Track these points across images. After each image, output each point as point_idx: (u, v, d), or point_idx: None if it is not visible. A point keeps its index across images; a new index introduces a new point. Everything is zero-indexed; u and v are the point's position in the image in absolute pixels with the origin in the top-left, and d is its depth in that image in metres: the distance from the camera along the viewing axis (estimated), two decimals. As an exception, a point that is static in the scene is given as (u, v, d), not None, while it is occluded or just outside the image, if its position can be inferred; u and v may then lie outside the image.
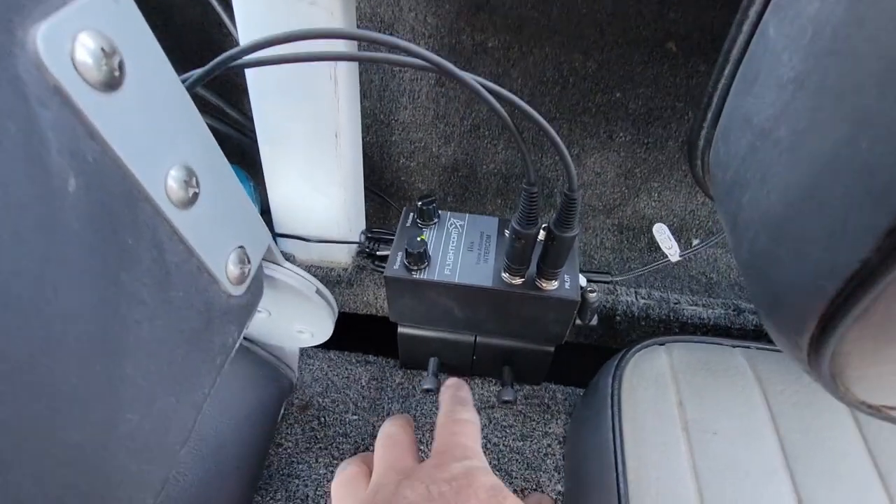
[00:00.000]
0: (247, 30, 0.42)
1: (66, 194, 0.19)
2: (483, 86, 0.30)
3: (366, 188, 0.58)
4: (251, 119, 0.60)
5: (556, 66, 0.62)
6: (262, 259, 0.34)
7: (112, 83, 0.20)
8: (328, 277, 0.56)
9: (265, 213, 0.63)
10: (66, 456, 0.19)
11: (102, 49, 0.19)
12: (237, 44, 0.55)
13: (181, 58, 0.67)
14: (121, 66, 0.20)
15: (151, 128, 0.22)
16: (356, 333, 0.60)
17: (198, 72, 0.30)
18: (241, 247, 0.30)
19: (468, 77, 0.30)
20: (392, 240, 0.57)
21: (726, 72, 0.24)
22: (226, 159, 0.28)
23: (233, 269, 0.29)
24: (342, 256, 0.56)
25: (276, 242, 0.59)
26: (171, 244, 0.24)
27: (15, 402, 0.17)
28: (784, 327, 0.20)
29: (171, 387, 0.25)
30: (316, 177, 0.50)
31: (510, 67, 0.62)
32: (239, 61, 0.30)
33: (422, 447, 0.50)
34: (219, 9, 0.59)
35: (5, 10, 0.16)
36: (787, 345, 0.21)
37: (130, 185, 0.21)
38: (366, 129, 0.68)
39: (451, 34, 0.61)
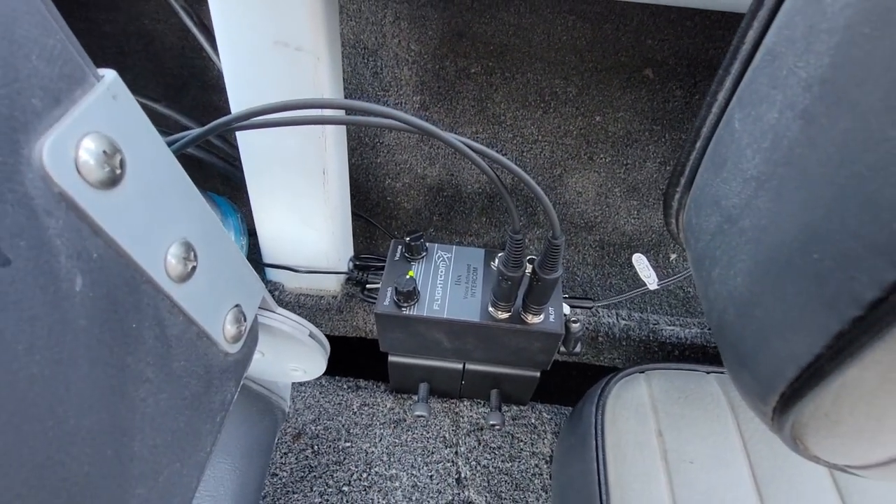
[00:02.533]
0: (234, 74, 0.42)
1: (74, 294, 0.19)
2: (468, 146, 0.32)
3: (352, 210, 0.58)
4: (235, 147, 0.60)
5: (537, 90, 0.63)
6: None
7: (114, 180, 0.20)
8: (318, 305, 0.57)
9: (252, 234, 0.63)
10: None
11: (104, 151, 0.20)
12: (218, 71, 0.55)
13: (163, 83, 0.67)
14: (121, 164, 0.21)
15: (151, 213, 0.23)
16: (346, 356, 0.62)
17: (192, 133, 0.31)
18: (237, 305, 0.31)
19: (453, 138, 0.31)
20: (379, 265, 0.58)
21: (697, 146, 0.26)
22: (220, 224, 0.29)
23: (230, 329, 0.30)
24: (331, 284, 0.57)
25: (264, 272, 0.59)
26: (171, 318, 0.25)
27: (37, 502, 0.18)
28: (750, 393, 0.22)
29: (176, 454, 0.26)
30: (304, 211, 0.50)
31: (493, 92, 0.64)
32: (232, 126, 0.30)
33: (414, 471, 0.51)
34: (200, 36, 0.59)
35: (11, 131, 0.17)
36: (753, 407, 0.23)
37: (133, 270, 0.22)
38: (351, 151, 0.69)
39: (435, 60, 0.62)
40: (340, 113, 0.34)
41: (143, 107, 0.23)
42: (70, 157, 0.18)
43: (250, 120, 0.30)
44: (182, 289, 0.25)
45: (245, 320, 0.31)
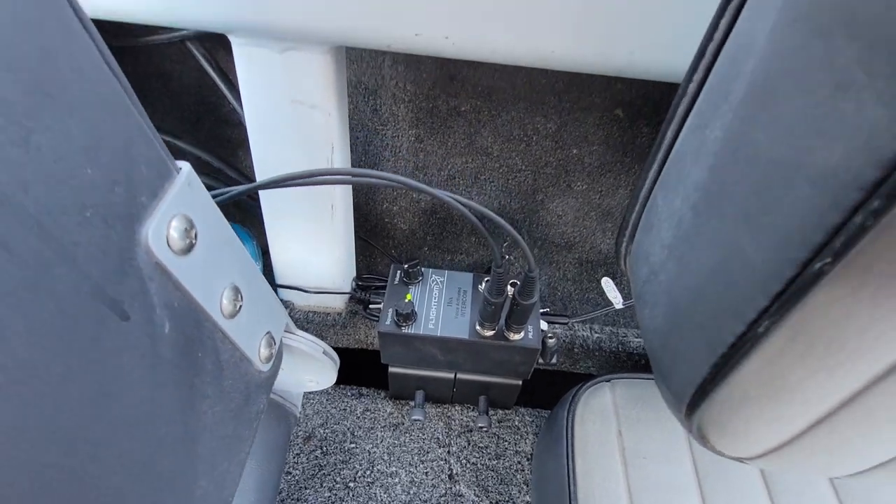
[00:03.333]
0: (255, 126, 0.48)
1: (164, 335, 0.26)
2: (456, 199, 0.38)
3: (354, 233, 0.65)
4: (246, 177, 0.66)
5: (521, 126, 0.70)
6: (281, 334, 0.42)
7: (190, 247, 0.27)
8: (325, 321, 0.64)
9: (265, 253, 0.69)
10: (166, 520, 0.27)
11: (185, 228, 0.26)
12: (235, 109, 0.61)
13: (179, 117, 0.73)
14: (195, 235, 0.27)
15: (212, 267, 0.29)
16: (350, 366, 0.68)
17: (234, 191, 0.37)
18: (268, 332, 0.37)
19: (443, 194, 0.38)
20: (379, 285, 0.65)
21: (636, 208, 0.33)
22: (257, 268, 0.35)
23: (264, 352, 0.37)
24: (337, 303, 0.64)
25: (276, 292, 0.66)
26: (223, 347, 0.32)
27: (141, 493, 0.24)
28: (669, 402, 0.30)
29: (226, 454, 0.33)
30: (313, 239, 0.57)
31: (481, 128, 0.71)
32: (263, 188, 0.37)
33: (412, 468, 0.58)
34: (214, 76, 0.65)
35: (130, 223, 0.24)
36: (673, 412, 0.30)
37: (199, 313, 0.29)
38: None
39: (429, 99, 0.69)
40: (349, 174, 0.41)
41: (167, 143, 0.29)
42: (164, 235, 0.25)
43: (277, 183, 0.37)
44: (231, 323, 0.32)
45: (275, 343, 0.38)
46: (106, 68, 0.21)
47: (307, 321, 0.64)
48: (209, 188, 0.38)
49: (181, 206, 0.26)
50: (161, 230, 0.25)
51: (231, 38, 0.43)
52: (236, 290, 0.32)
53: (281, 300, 0.66)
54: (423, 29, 0.39)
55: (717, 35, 0.24)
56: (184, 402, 0.28)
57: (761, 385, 0.22)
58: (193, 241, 0.27)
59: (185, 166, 0.27)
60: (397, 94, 0.69)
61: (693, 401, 0.26)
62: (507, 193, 0.77)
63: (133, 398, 0.24)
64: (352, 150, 0.73)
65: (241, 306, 0.32)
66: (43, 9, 0.18)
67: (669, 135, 0.28)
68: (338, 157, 0.51)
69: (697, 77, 0.25)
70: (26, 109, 0.18)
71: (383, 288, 0.66)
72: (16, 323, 0.17)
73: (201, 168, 0.65)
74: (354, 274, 0.66)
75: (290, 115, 0.47)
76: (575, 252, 0.80)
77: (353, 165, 0.75)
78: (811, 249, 0.18)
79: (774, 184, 0.19)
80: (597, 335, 0.63)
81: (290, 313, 0.65)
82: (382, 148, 0.73)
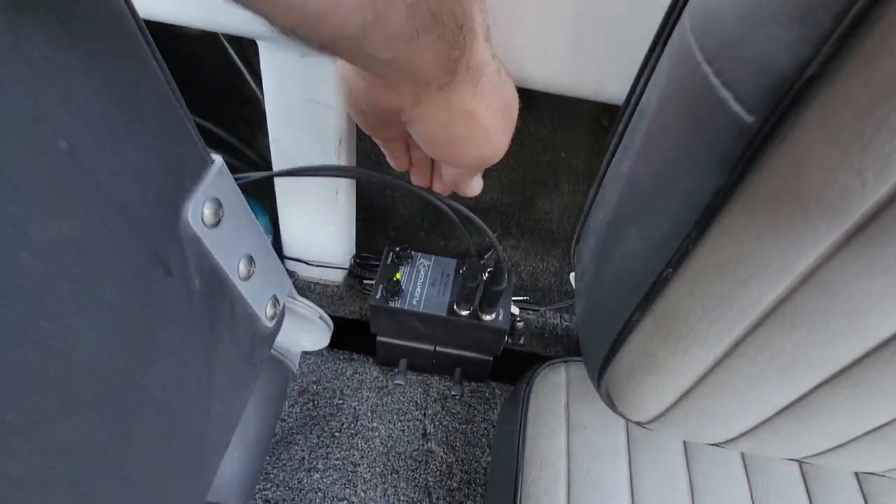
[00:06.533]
0: (275, 119, 0.55)
1: (195, 289, 0.34)
2: (443, 200, 0.45)
3: (357, 214, 0.72)
4: (263, 157, 0.74)
5: (516, 131, 0.76)
6: (285, 299, 0.49)
7: (218, 223, 0.34)
8: (324, 292, 0.71)
9: (275, 225, 0.77)
10: (186, 437, 0.35)
11: (216, 208, 0.34)
12: (252, 90, 0.68)
13: (203, 97, 0.80)
14: (222, 214, 0.35)
15: (233, 239, 0.37)
16: (344, 333, 0.76)
17: (253, 176, 0.45)
18: (274, 295, 0.45)
19: (430, 196, 0.45)
20: (374, 264, 0.73)
21: (581, 219, 0.40)
22: (268, 242, 0.43)
23: (269, 310, 0.44)
24: (336, 276, 0.71)
25: (284, 263, 0.74)
26: (238, 302, 0.39)
27: (177, 404, 0.32)
28: (588, 375, 0.37)
29: (234, 387, 0.41)
30: (318, 219, 0.64)
31: (478, 127, 0.77)
32: (278, 176, 0.44)
33: (390, 425, 0.66)
34: (240, 63, 0.72)
35: (176, 201, 0.31)
36: (591, 383, 0.38)
37: (221, 274, 0.36)
38: (358, 165, 0.82)
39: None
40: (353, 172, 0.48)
41: (200, 127, 0.36)
42: (199, 213, 0.32)
43: (291, 173, 0.44)
44: (245, 285, 0.39)
45: (278, 305, 0.46)
46: (175, 101, 0.28)
47: (308, 290, 0.72)
48: (232, 168, 0.45)
49: (213, 190, 0.34)
50: (197, 209, 0.32)
51: (259, 42, 0.50)
52: (250, 259, 0.39)
53: (287, 270, 0.74)
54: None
55: (637, 90, 0.30)
56: (206, 340, 0.36)
57: (641, 360, 0.30)
58: (220, 219, 0.34)
59: (217, 159, 0.35)
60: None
61: (600, 373, 0.34)
62: (500, 189, 0.84)
63: (173, 332, 0.32)
64: (361, 139, 0.80)
65: (253, 272, 0.40)
66: (139, 73, 0.25)
67: (604, 165, 0.35)
68: (344, 148, 0.58)
69: (624, 120, 0.32)
70: (128, 133, 0.25)
71: (378, 266, 0.74)
72: (111, 276, 0.25)
73: (224, 147, 0.73)
74: (354, 252, 0.73)
75: (306, 111, 0.54)
76: (558, 247, 0.87)
77: (358, 155, 0.82)
78: (664, 262, 0.25)
79: (650, 212, 0.26)
80: (566, 323, 0.70)
81: (294, 282, 0.73)
82: (388, 139, 0.80)
